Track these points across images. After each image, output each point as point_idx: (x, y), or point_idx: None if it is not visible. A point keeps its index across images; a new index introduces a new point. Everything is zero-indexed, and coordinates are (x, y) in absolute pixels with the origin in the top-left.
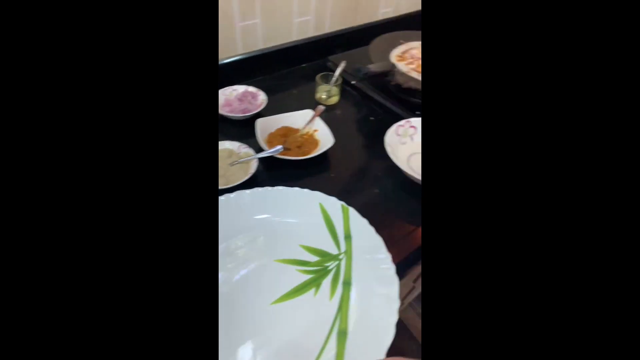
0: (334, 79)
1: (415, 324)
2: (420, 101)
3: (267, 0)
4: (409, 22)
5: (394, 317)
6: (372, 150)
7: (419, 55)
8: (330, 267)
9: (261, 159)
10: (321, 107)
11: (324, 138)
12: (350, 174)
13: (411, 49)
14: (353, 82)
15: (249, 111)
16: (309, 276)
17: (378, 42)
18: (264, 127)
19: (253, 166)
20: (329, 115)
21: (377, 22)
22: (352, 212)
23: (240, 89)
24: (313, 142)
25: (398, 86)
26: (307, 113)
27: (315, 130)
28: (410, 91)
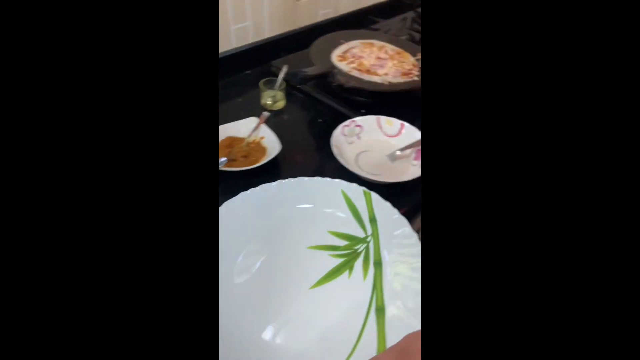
0: (277, 84)
1: None
2: (365, 99)
3: None
4: (349, 22)
5: None
6: (322, 152)
7: (360, 53)
8: (359, 250)
9: None
10: (266, 114)
11: (271, 145)
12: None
13: (352, 48)
14: (298, 86)
15: None
16: (340, 260)
17: (319, 43)
18: None
19: None
20: (276, 121)
21: (317, 23)
22: (374, 196)
23: None
24: (260, 150)
25: (341, 86)
26: (251, 121)
27: (261, 138)
28: (354, 90)
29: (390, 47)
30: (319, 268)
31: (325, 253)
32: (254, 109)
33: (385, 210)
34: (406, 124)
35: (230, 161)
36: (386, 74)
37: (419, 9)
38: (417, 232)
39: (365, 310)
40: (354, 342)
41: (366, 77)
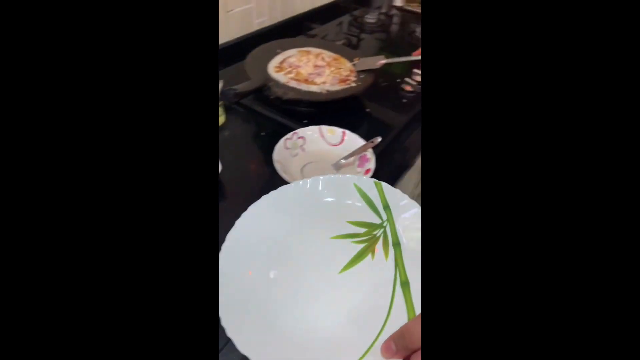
0: None
1: None
2: (307, 109)
3: None
4: (285, 30)
5: None
6: (267, 167)
7: (297, 62)
8: (378, 235)
9: None
10: None
11: None
12: (246, 197)
13: (289, 57)
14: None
15: None
16: (362, 245)
17: (255, 54)
18: None
19: None
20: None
21: (252, 33)
22: (385, 185)
23: None
24: None
25: (280, 99)
26: None
27: None
28: (294, 102)
29: (327, 54)
30: (343, 255)
31: (348, 241)
32: None
33: (396, 197)
34: (347, 132)
35: None
36: (324, 82)
37: (355, 12)
38: None
39: (391, 286)
40: (385, 315)
41: (304, 87)
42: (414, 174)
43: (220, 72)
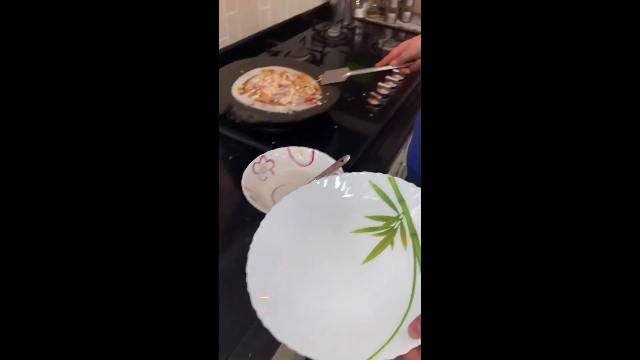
0: None
1: None
2: (274, 130)
3: None
4: (248, 49)
5: None
6: (236, 193)
7: (262, 83)
8: (395, 227)
9: None
10: None
11: None
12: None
13: (252, 77)
14: None
15: None
16: (381, 237)
17: (218, 76)
18: None
19: None
20: None
21: None
22: (399, 180)
23: None
24: None
25: (245, 122)
26: None
27: None
28: (260, 124)
29: (291, 72)
30: (365, 247)
31: (367, 234)
32: None
33: (409, 190)
34: (317, 152)
35: None
36: (290, 102)
37: (317, 26)
38: None
39: (412, 273)
40: (408, 301)
41: (270, 108)
42: None
43: None
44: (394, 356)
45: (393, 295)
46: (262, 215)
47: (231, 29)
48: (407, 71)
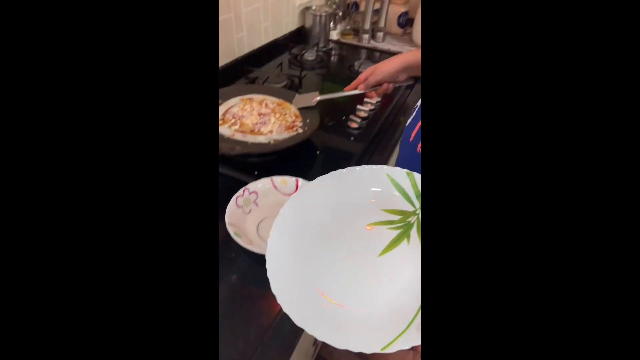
0: None
1: None
2: (256, 159)
3: None
4: (225, 76)
5: None
6: (221, 228)
7: (241, 112)
8: (412, 221)
9: None
10: None
11: None
12: None
13: (231, 107)
14: None
15: None
16: (397, 231)
17: None
18: None
19: None
20: None
21: None
22: (417, 175)
23: None
24: None
25: (226, 155)
26: None
27: None
28: (242, 155)
29: (270, 100)
30: (381, 240)
31: (384, 227)
32: None
33: None
34: (300, 180)
35: None
36: (271, 132)
37: (294, 50)
38: None
39: None
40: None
41: (251, 138)
42: None
43: None
44: (408, 347)
45: (408, 288)
46: (247, 252)
47: None
48: (373, 94)
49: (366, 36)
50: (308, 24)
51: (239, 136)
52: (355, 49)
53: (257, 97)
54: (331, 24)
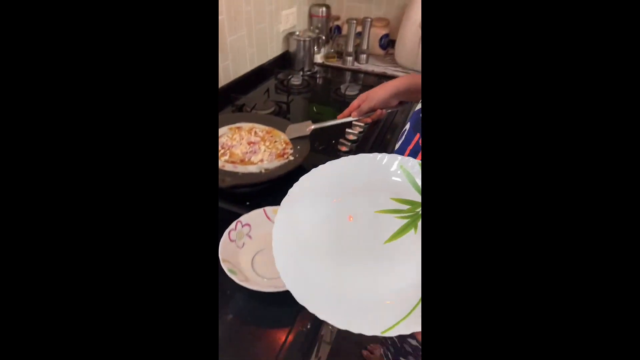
0: None
1: None
2: (247, 189)
3: None
4: None
5: None
6: None
7: (230, 142)
8: (420, 212)
9: None
10: None
11: None
12: None
13: (220, 137)
14: None
15: None
16: (405, 221)
17: None
18: None
19: None
20: None
21: None
22: None
23: None
24: None
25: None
26: None
27: None
28: (233, 186)
29: (259, 128)
30: (388, 228)
31: (392, 216)
32: None
33: None
34: None
35: None
36: (261, 160)
37: (279, 76)
38: None
39: None
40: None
41: (241, 168)
42: None
43: None
44: (409, 332)
45: (412, 276)
46: (243, 289)
47: None
48: (368, 120)
49: (350, 58)
50: (292, 48)
51: (229, 167)
52: (340, 71)
53: (246, 125)
54: (315, 47)
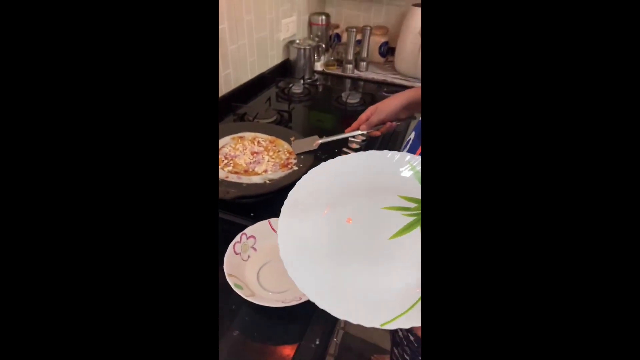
0: None
1: None
2: (251, 200)
3: None
4: None
5: None
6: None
7: (233, 152)
8: None
9: None
10: None
11: None
12: None
13: (223, 147)
14: None
15: None
16: (412, 218)
17: None
18: None
19: None
20: None
21: None
22: None
23: None
24: None
25: (221, 199)
26: None
27: None
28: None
29: (262, 137)
30: (394, 224)
31: (398, 213)
32: None
33: None
34: None
35: None
36: (265, 171)
37: (280, 84)
38: None
39: None
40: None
41: (245, 179)
42: None
43: None
44: (408, 326)
45: (414, 272)
46: (249, 303)
47: None
48: (377, 134)
49: (350, 66)
50: (292, 56)
51: (233, 177)
52: (340, 78)
53: (248, 135)
54: (315, 55)
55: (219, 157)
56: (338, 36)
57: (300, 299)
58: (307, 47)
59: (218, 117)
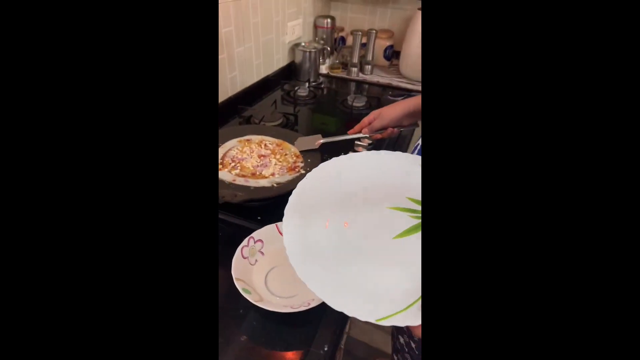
0: None
1: None
2: (258, 203)
3: None
4: (220, 116)
5: None
6: (224, 281)
7: (240, 155)
8: None
9: None
10: None
11: None
12: None
13: (229, 150)
14: None
15: None
16: (418, 220)
17: None
18: None
19: None
20: None
21: None
22: None
23: None
24: None
25: (229, 203)
26: None
27: None
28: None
29: (269, 140)
30: (399, 224)
31: (405, 214)
32: None
33: None
34: None
35: None
36: (272, 174)
37: (285, 87)
38: None
39: None
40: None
41: (253, 182)
42: None
43: None
44: (404, 324)
45: (415, 273)
46: (257, 308)
47: None
48: (378, 137)
49: (355, 69)
50: (298, 59)
51: (240, 181)
52: (345, 81)
53: (255, 137)
54: (320, 58)
55: (227, 159)
56: (343, 39)
57: (309, 304)
58: (313, 50)
59: (219, 119)
